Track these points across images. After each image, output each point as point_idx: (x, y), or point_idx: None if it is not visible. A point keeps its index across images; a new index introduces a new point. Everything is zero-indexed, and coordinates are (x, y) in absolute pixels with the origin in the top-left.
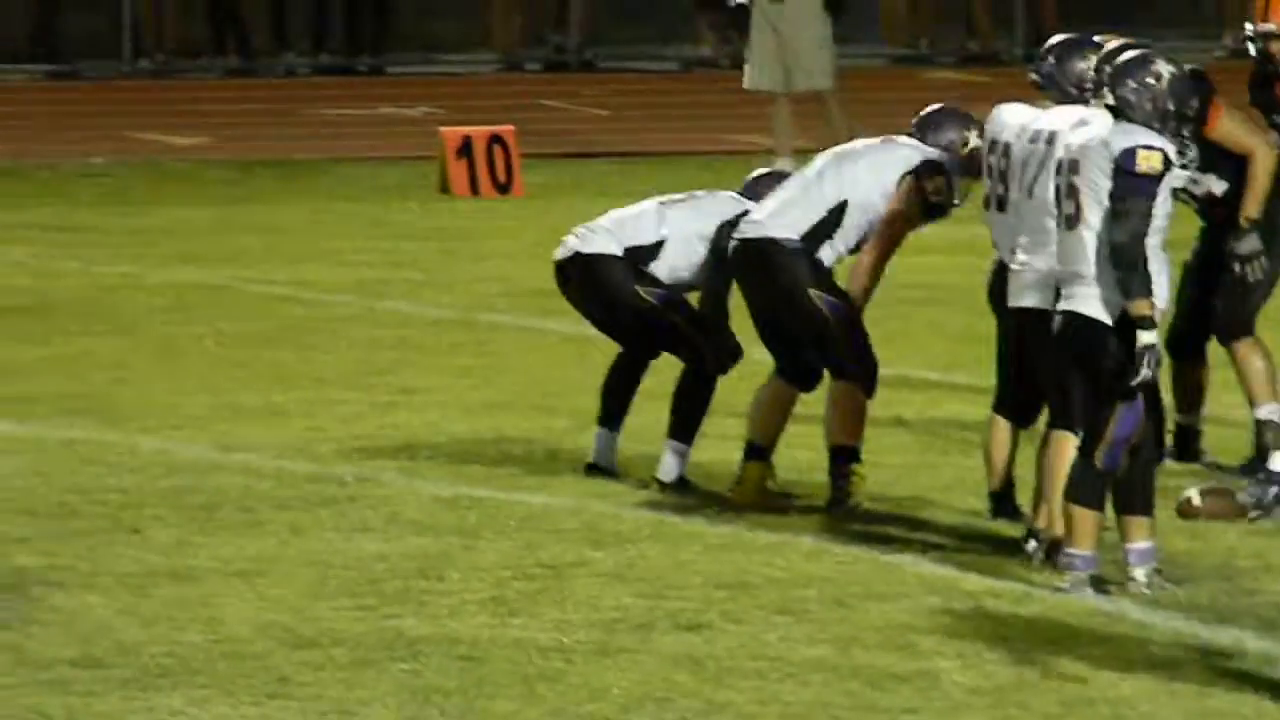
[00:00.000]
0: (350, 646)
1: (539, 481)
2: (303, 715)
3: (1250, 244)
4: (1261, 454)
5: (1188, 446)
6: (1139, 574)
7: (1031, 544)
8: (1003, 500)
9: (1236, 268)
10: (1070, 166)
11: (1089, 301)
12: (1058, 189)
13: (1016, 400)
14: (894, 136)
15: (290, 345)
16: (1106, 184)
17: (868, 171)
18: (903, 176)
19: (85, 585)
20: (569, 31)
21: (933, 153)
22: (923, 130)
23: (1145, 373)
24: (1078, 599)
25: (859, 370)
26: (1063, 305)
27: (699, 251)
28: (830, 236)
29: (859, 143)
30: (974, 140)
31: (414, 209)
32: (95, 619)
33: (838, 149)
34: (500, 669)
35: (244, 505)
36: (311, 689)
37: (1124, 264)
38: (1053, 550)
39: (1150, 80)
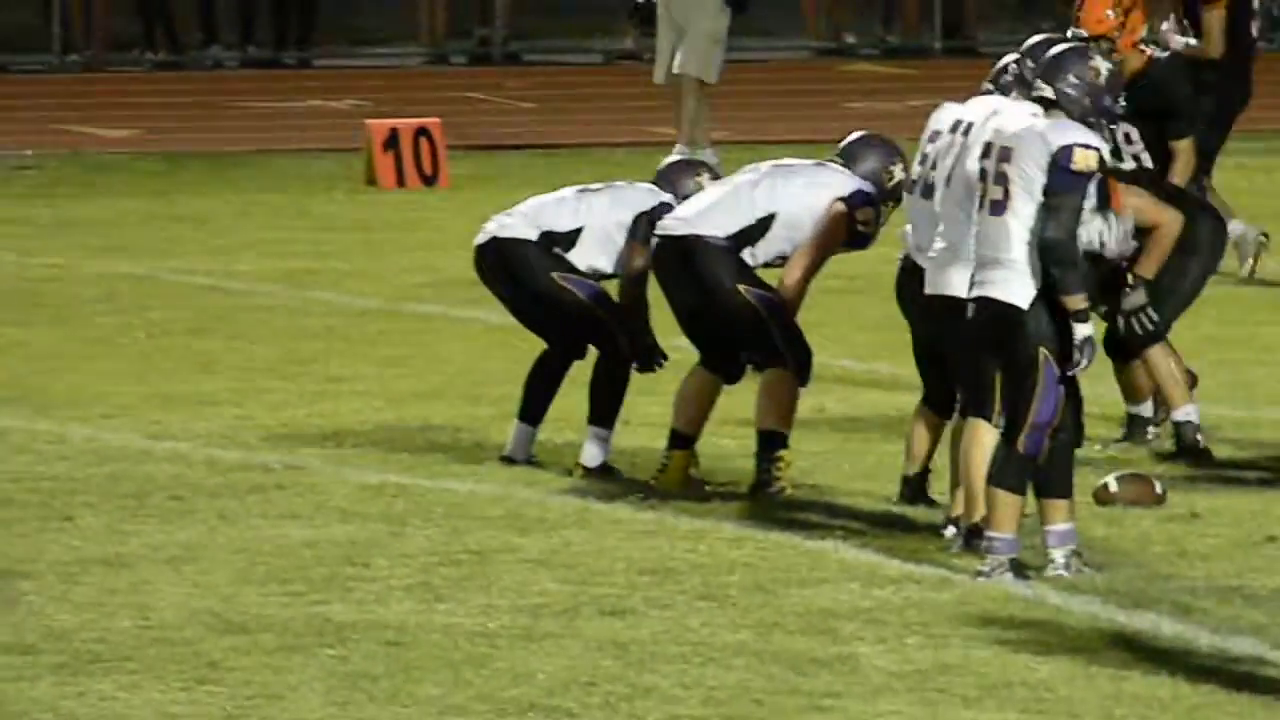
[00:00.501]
0: (278, 632)
1: (465, 469)
2: (231, 700)
3: (1137, 299)
4: (1189, 451)
5: (1134, 434)
6: (1058, 556)
7: (950, 530)
8: (916, 486)
9: (1123, 322)
10: (1001, 154)
11: (1007, 286)
12: (982, 173)
13: (939, 394)
14: (825, 162)
15: (219, 335)
16: (1041, 178)
17: (802, 189)
18: (834, 201)
19: (18, 572)
20: (494, 25)
21: (865, 184)
22: (848, 159)
23: (1084, 364)
24: (997, 583)
25: (793, 359)
26: (977, 291)
27: (616, 242)
28: (752, 244)
29: (795, 160)
30: (898, 173)
31: (341, 200)
32: (27, 606)
33: (775, 162)
34: (427, 654)
35: (174, 493)
36: (240, 674)
37: (1059, 260)
38: (972, 535)
39: (1089, 75)
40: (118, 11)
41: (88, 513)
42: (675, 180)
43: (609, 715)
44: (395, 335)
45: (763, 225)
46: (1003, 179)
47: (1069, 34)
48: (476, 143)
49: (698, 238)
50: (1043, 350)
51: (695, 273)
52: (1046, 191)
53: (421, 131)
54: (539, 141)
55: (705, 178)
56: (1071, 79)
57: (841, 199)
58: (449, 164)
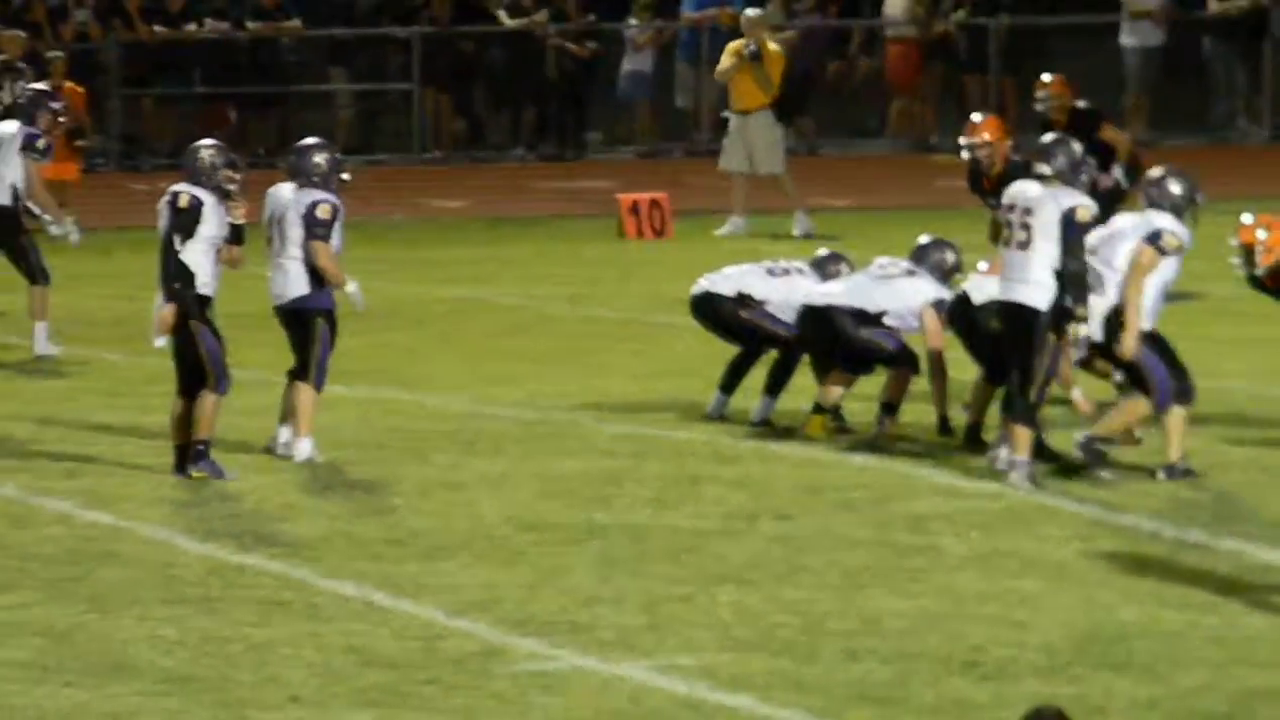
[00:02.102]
0: (561, 530)
1: (684, 423)
2: (532, 574)
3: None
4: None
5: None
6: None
7: (1000, 453)
8: (973, 433)
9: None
10: (1025, 210)
11: (1028, 294)
12: (1010, 223)
13: (991, 372)
14: (917, 269)
15: (523, 335)
16: (1056, 228)
17: (909, 294)
18: (925, 304)
19: (392, 490)
20: (698, 133)
21: (945, 292)
22: (918, 259)
23: (1079, 353)
24: (1023, 490)
25: (908, 359)
26: (1007, 297)
27: (789, 315)
28: (867, 324)
29: (903, 263)
30: (952, 257)
31: (602, 247)
32: (397, 514)
33: (887, 264)
34: (659, 545)
35: (493, 440)
36: (536, 558)
37: (1073, 283)
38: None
39: (1074, 155)
40: (451, 120)
41: (436, 454)
42: (826, 267)
43: (778, 585)
44: (638, 336)
45: (876, 317)
46: (1027, 228)
47: (962, 142)
48: (692, 209)
49: (834, 308)
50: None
51: (835, 330)
52: (1062, 239)
53: (654, 202)
54: (725, 208)
55: (844, 266)
56: (1061, 159)
57: (932, 304)
58: (673, 223)
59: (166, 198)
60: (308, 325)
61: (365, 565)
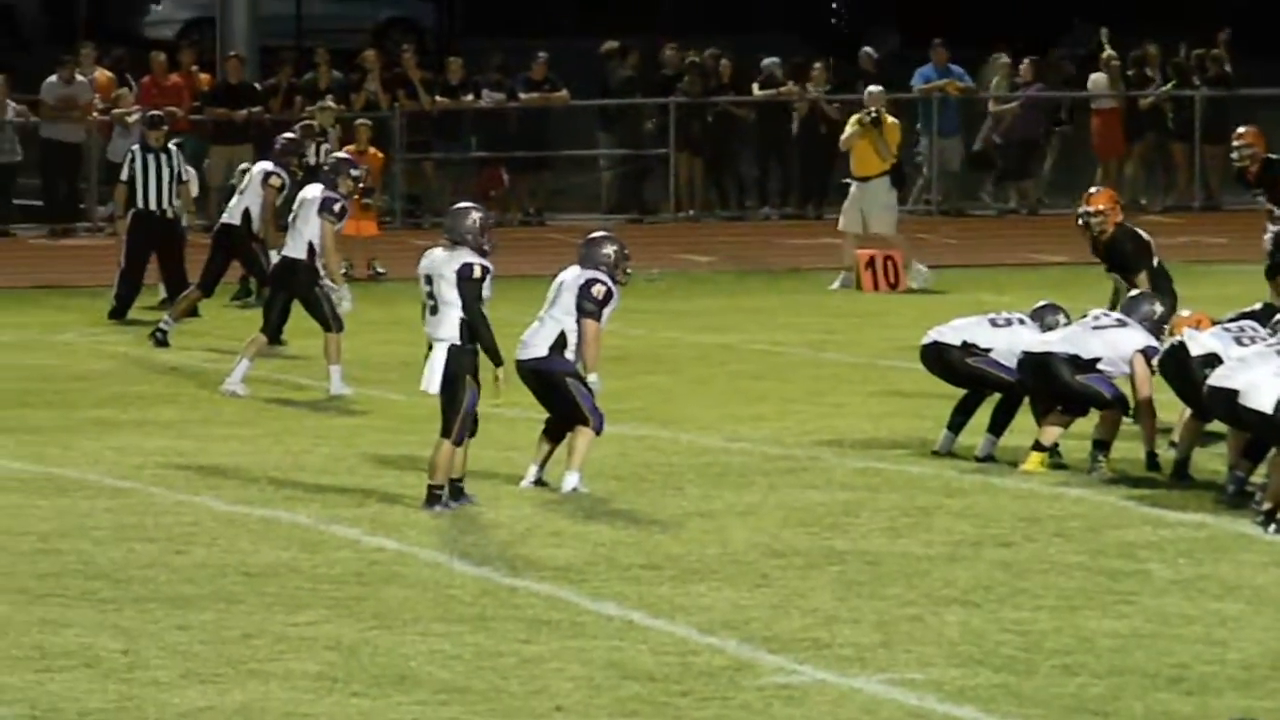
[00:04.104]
0: (803, 556)
1: (915, 459)
2: (776, 598)
3: None
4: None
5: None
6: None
7: (1230, 487)
8: (1182, 469)
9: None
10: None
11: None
12: None
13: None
14: (1124, 317)
15: (769, 379)
16: None
17: (1120, 343)
18: (1137, 353)
19: (651, 521)
20: (930, 191)
21: (1154, 341)
22: (1129, 311)
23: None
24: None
25: (1119, 402)
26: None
27: (1011, 361)
28: (1082, 370)
29: (1114, 316)
30: (1160, 309)
31: (840, 297)
32: (654, 541)
33: (1100, 315)
34: (891, 569)
35: (742, 473)
36: (781, 581)
37: None
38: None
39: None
40: (691, 188)
41: (690, 486)
42: (1045, 317)
43: (998, 606)
44: (874, 379)
45: (1090, 363)
46: None
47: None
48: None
49: (1051, 354)
50: None
51: (1051, 376)
52: None
53: (888, 258)
54: (955, 263)
55: (1061, 316)
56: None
57: (1142, 351)
58: (906, 276)
59: (457, 266)
60: (555, 385)
61: (625, 587)
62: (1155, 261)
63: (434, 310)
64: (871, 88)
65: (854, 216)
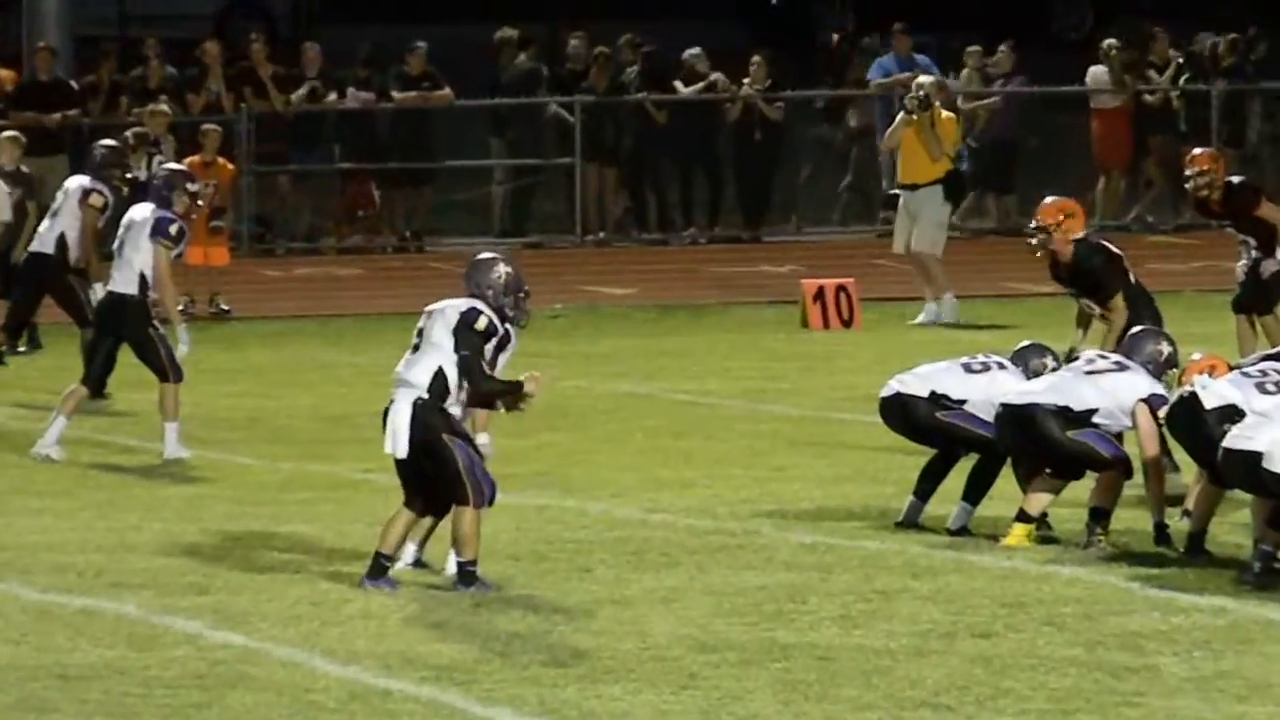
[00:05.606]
0: (739, 650)
1: (873, 532)
2: (706, 700)
3: None
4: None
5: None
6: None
7: (1256, 565)
8: (1198, 543)
9: None
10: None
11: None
12: None
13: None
14: (1123, 359)
15: (696, 436)
16: None
17: (1120, 390)
18: (1139, 401)
19: (554, 609)
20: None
21: (1159, 388)
22: (1130, 351)
23: None
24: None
25: (1121, 462)
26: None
27: (990, 414)
28: (1074, 425)
29: (1112, 358)
30: (1167, 349)
31: (783, 339)
32: (557, 634)
33: (1095, 357)
34: (846, 666)
35: (664, 551)
36: (712, 681)
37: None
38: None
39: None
40: (617, 203)
41: (601, 566)
42: (1028, 359)
43: (978, 710)
44: (822, 436)
45: (1087, 414)
46: None
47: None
48: (881, 296)
49: (1035, 405)
50: None
51: (1032, 432)
52: None
53: (841, 288)
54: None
55: (1049, 360)
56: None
57: (1146, 401)
58: (861, 312)
59: (464, 309)
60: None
61: (523, 690)
62: (1132, 278)
63: (415, 348)
64: (923, 77)
65: (907, 234)
